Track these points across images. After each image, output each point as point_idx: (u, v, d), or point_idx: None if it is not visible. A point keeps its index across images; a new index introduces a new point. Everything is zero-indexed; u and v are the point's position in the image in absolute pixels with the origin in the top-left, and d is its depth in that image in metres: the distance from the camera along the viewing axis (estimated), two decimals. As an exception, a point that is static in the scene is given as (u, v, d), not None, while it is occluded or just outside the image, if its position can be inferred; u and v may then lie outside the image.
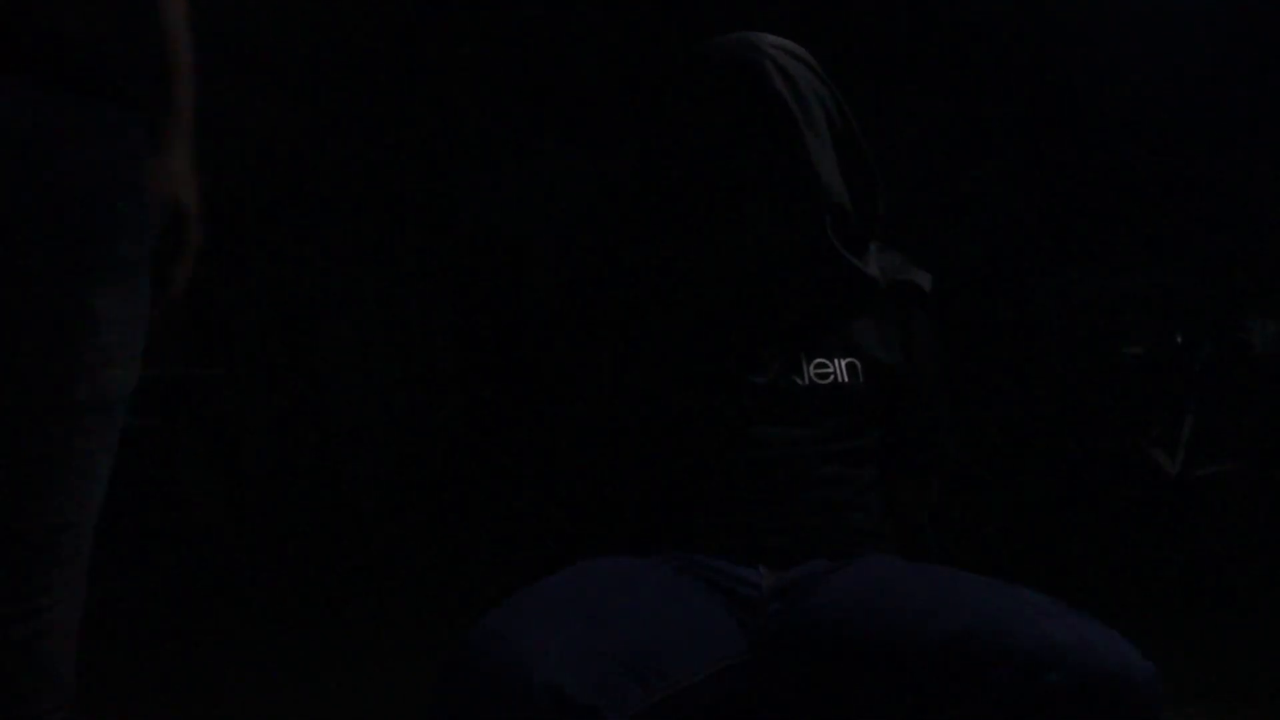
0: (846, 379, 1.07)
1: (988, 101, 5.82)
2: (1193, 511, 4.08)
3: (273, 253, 5.04)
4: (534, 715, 0.72)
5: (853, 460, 1.07)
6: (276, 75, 5.14)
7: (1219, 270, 5.10)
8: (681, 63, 1.11)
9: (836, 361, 1.08)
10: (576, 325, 1.17)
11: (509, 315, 6.59)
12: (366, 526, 5.07)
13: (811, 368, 1.07)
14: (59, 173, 0.71)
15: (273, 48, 5.13)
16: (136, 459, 3.70)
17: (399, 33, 5.99)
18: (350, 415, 5.67)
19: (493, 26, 5.79)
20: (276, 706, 2.21)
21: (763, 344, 1.07)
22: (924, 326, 1.17)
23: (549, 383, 1.19)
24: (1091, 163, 5.68)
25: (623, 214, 1.21)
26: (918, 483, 1.18)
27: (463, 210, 6.72)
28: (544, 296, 6.32)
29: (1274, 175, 5.10)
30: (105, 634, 2.83)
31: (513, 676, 0.73)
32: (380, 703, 2.20)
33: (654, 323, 1.11)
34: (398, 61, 6.21)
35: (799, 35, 1.14)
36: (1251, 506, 3.99)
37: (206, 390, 4.20)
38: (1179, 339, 4.90)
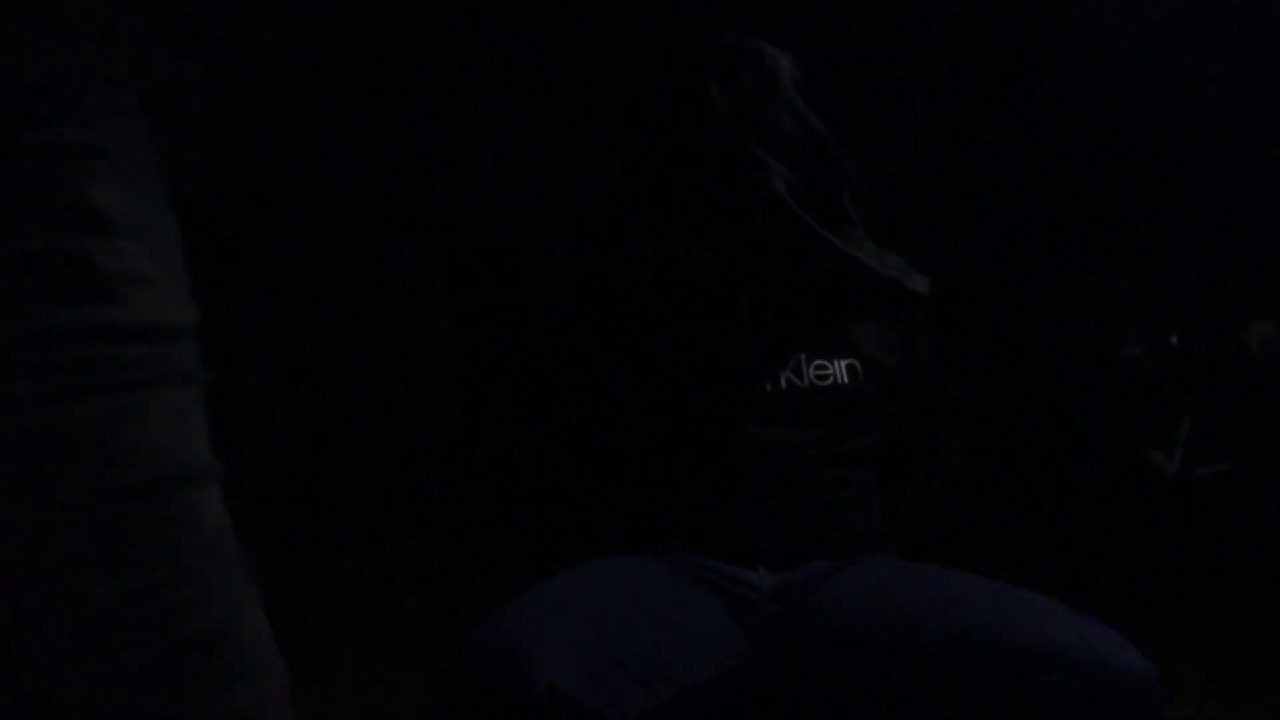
0: (846, 380, 1.07)
1: (987, 103, 5.83)
2: (1191, 511, 4.08)
3: (274, 259, 5.04)
4: (536, 717, 0.72)
5: (852, 462, 1.07)
6: (277, 79, 5.14)
7: (1216, 271, 5.10)
8: (629, 78, 1.16)
9: (836, 363, 1.08)
10: (576, 327, 1.18)
11: (508, 317, 6.59)
12: (367, 528, 5.07)
13: (811, 369, 1.07)
14: None
15: (274, 52, 5.13)
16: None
17: (400, 37, 5.99)
18: (351, 417, 5.67)
19: (492, 31, 5.79)
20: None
21: (763, 346, 1.08)
22: (923, 329, 1.17)
23: (549, 385, 1.19)
24: (1089, 164, 5.68)
25: (615, 218, 1.22)
26: (919, 484, 1.19)
27: (462, 214, 6.72)
28: (543, 299, 6.33)
29: (1273, 176, 5.10)
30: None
31: (514, 678, 0.73)
32: (382, 704, 2.20)
33: (654, 325, 1.11)
34: (398, 66, 6.21)
35: (799, 38, 1.14)
36: (1249, 506, 4.00)
37: (208, 395, 4.18)
38: (1175, 340, 4.90)
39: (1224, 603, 2.99)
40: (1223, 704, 2.05)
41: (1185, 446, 4.20)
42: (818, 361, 1.08)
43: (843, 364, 1.08)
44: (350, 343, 5.81)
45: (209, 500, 0.60)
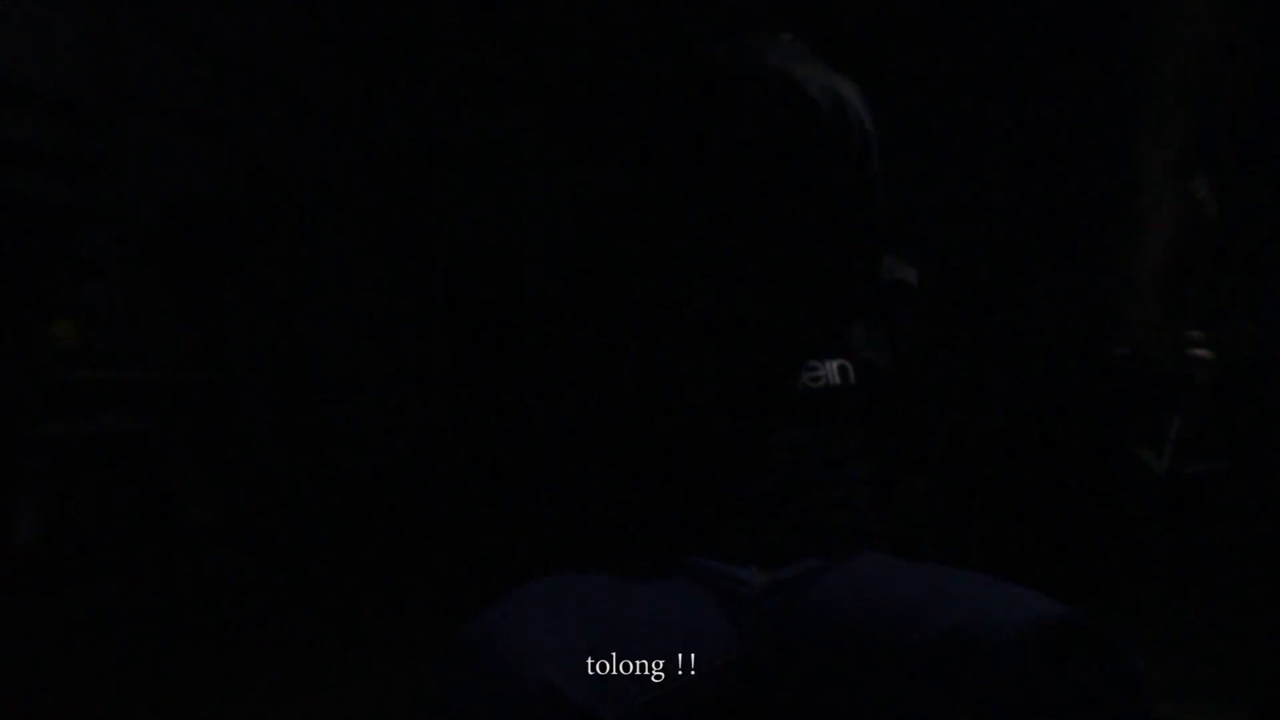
0: (838, 381, 1.08)
1: (985, 101, 5.84)
2: (1181, 510, 4.08)
3: (268, 258, 5.04)
4: (530, 714, 0.73)
5: (844, 460, 1.07)
6: (272, 82, 5.13)
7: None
8: (705, 71, 1.09)
9: (828, 364, 1.09)
10: (569, 329, 1.18)
11: (501, 319, 6.59)
12: (361, 528, 5.07)
13: (804, 371, 1.08)
14: None
15: (269, 55, 5.12)
16: (132, 462, 3.70)
17: (395, 40, 5.99)
18: (345, 418, 5.66)
19: (488, 34, 5.79)
20: (274, 708, 2.21)
21: (755, 348, 1.08)
22: (910, 320, 1.17)
23: (541, 386, 1.19)
24: (1085, 165, 5.70)
25: (617, 219, 1.22)
26: (911, 480, 1.19)
27: (455, 216, 6.72)
28: (536, 300, 6.32)
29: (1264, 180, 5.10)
30: (103, 637, 2.83)
31: (508, 676, 0.73)
32: (378, 703, 2.21)
33: (646, 327, 1.12)
34: (393, 69, 6.21)
35: (800, 35, 1.14)
36: (1240, 505, 4.01)
37: (202, 394, 4.19)
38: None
39: (1214, 601, 3.01)
40: (1214, 702, 2.06)
41: (1175, 445, 4.20)
42: (809, 362, 1.08)
43: (834, 364, 1.09)
44: (348, 342, 5.81)
45: None
